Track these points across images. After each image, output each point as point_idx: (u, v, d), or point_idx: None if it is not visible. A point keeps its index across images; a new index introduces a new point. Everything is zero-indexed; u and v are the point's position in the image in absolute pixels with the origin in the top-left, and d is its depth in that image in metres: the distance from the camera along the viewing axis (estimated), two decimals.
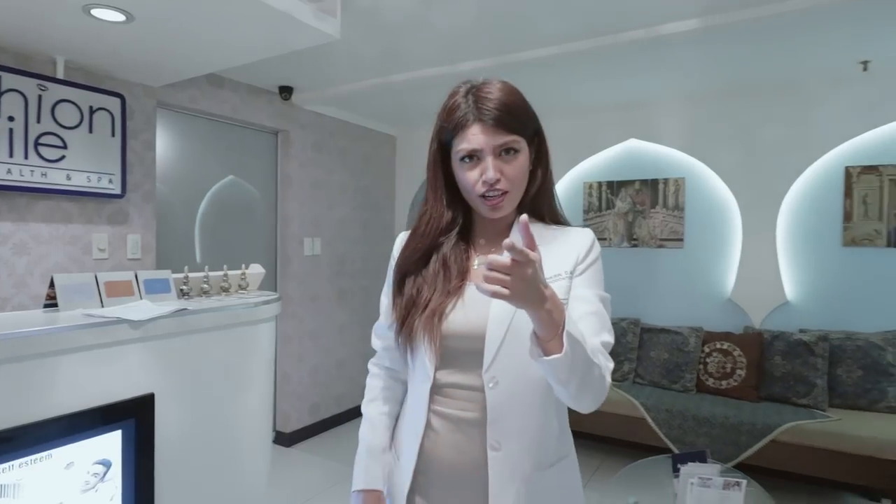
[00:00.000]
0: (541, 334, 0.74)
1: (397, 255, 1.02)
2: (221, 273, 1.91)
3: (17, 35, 2.15)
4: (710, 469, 1.62)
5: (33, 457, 1.20)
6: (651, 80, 3.17)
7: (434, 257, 0.96)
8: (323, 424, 3.90)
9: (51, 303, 1.47)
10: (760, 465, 2.72)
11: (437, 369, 0.92)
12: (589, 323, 0.86)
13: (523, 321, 0.83)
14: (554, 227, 0.98)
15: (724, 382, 3.16)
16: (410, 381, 1.00)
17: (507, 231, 0.97)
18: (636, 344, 3.52)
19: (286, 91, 3.51)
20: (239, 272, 1.99)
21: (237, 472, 1.73)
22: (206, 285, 1.84)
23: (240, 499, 1.73)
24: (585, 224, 3.91)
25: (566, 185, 4.00)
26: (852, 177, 3.09)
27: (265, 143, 3.64)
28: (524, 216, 0.70)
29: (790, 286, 3.26)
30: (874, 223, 3.03)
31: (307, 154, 3.80)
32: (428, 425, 0.93)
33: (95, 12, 1.87)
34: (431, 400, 0.93)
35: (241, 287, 1.97)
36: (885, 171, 3.01)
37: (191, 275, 1.80)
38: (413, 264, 0.97)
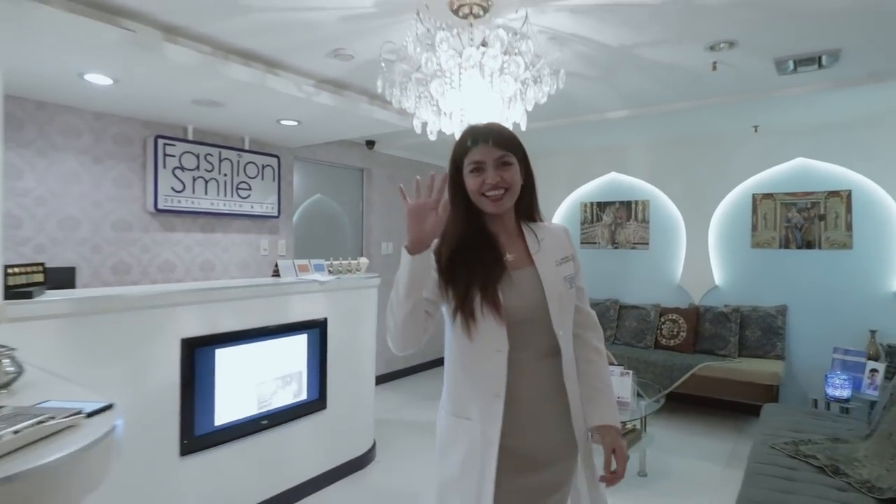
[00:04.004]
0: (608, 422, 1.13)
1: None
2: (347, 261, 3.21)
3: (224, 126, 3.52)
4: (616, 369, 2.74)
5: (279, 339, 2.51)
6: (621, 135, 4.26)
7: (471, 249, 1.10)
8: (393, 374, 5.14)
9: (275, 274, 2.80)
10: (688, 393, 3.78)
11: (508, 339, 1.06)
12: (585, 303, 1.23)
13: (563, 293, 1.12)
14: (541, 223, 1.21)
15: (672, 341, 4.21)
16: (478, 350, 1.08)
17: (518, 231, 1.17)
18: (616, 317, 4.59)
19: (371, 143, 4.82)
20: (356, 261, 3.29)
21: (361, 371, 3.02)
22: (340, 268, 3.15)
23: (363, 384, 3.02)
24: (583, 232, 5.02)
25: (568, 204, 5.10)
26: (757, 201, 4.09)
27: (354, 178, 4.97)
28: None
29: (718, 275, 4.27)
30: (771, 232, 4.02)
31: (383, 184, 5.09)
32: (509, 381, 1.06)
33: (282, 122, 3.22)
34: (510, 359, 1.06)
35: (358, 269, 3.26)
36: (778, 197, 4.01)
37: (333, 262, 3.10)
38: (455, 251, 1.10)
